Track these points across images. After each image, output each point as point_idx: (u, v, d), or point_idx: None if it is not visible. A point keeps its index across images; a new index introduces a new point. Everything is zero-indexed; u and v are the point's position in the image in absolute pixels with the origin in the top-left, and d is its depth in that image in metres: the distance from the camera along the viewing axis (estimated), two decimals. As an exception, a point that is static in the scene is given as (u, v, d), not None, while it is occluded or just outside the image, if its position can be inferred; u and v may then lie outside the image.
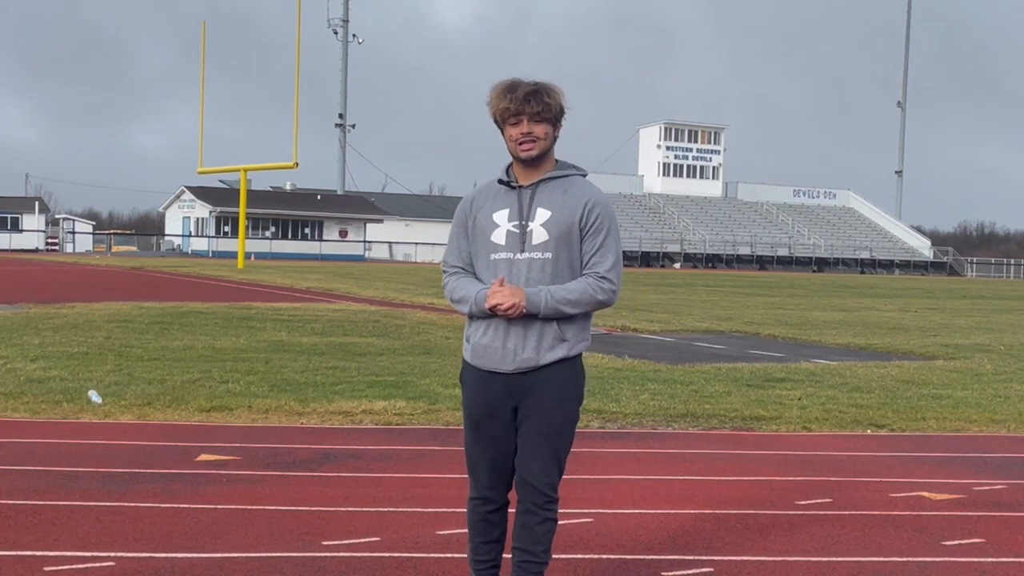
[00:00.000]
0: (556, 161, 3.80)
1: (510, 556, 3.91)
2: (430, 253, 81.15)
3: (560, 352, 3.72)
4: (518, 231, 3.71)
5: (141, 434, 7.44)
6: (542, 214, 3.70)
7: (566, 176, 3.77)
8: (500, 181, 3.81)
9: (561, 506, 5.55)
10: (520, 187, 3.75)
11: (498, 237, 3.73)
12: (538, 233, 3.69)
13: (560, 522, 5.31)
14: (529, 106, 3.63)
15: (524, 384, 3.73)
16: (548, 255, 3.69)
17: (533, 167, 3.74)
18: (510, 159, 3.80)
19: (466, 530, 5.26)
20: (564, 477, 6.42)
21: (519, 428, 3.79)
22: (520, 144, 3.67)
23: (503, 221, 3.73)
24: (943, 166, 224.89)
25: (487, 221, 3.76)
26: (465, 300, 3.75)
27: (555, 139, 3.73)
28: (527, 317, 3.67)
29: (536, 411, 3.74)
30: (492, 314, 3.69)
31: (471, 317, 3.80)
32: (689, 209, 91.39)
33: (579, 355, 3.81)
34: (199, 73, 52.92)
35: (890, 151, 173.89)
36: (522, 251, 3.70)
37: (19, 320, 15.76)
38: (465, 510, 4.01)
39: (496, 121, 3.73)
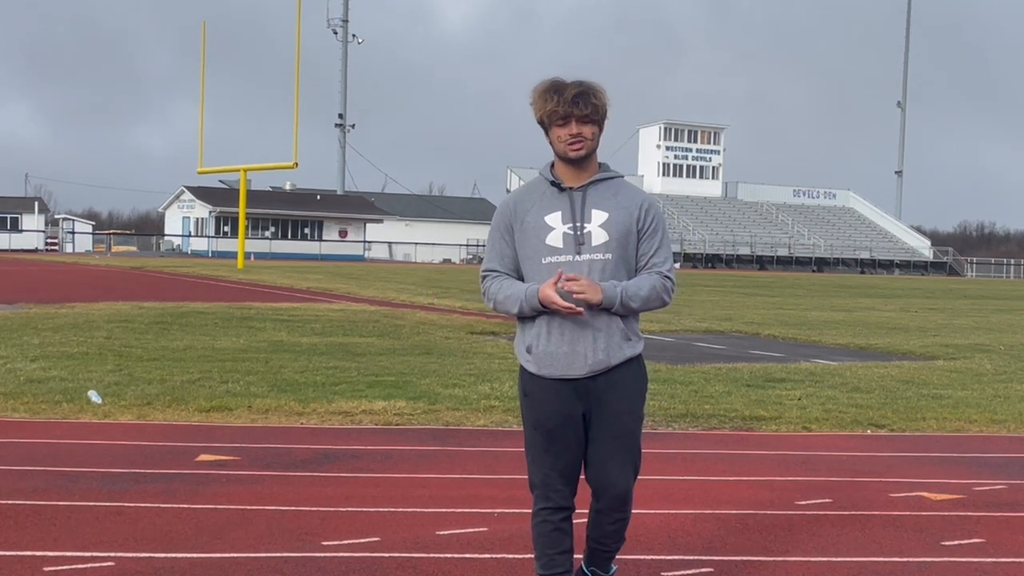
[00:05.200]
0: (599, 163, 3.79)
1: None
2: (430, 253, 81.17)
3: (628, 351, 3.73)
4: (573, 233, 3.68)
5: (141, 434, 7.44)
6: (598, 216, 3.69)
7: (612, 178, 3.78)
8: (547, 181, 3.76)
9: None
10: (571, 189, 3.72)
11: (554, 240, 3.68)
12: (597, 234, 3.68)
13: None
14: (577, 108, 3.61)
15: (595, 388, 3.70)
16: (609, 256, 3.68)
17: (580, 168, 3.72)
18: (550, 158, 3.77)
19: (469, 529, 5.26)
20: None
21: (590, 433, 3.76)
22: (570, 145, 3.65)
23: (557, 223, 3.69)
24: (943, 166, 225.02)
25: (538, 223, 3.70)
26: (513, 298, 3.67)
27: (599, 139, 3.74)
28: (592, 316, 3.64)
29: (609, 414, 3.73)
30: (543, 310, 3.63)
31: (520, 318, 3.74)
32: (689, 209, 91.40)
33: (641, 353, 3.81)
34: (199, 73, 52.97)
35: (890, 151, 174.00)
36: (580, 253, 3.67)
37: (19, 320, 15.76)
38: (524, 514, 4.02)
39: (541, 122, 3.70)
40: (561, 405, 3.71)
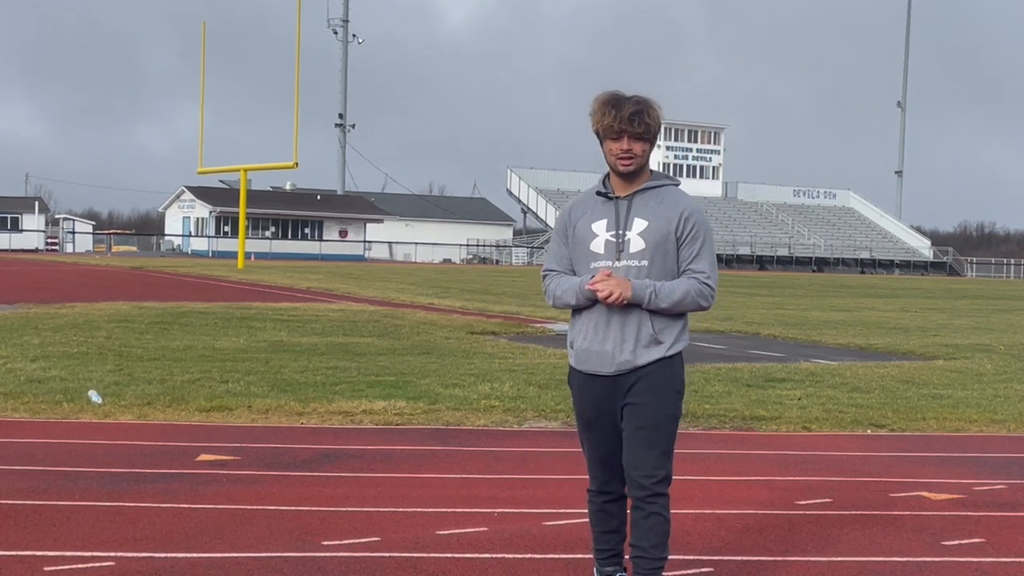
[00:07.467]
0: (651, 172, 3.98)
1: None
2: (430, 253, 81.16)
3: (656, 353, 3.91)
4: (615, 240, 3.90)
5: (141, 434, 7.44)
6: (639, 224, 3.89)
7: (660, 186, 3.95)
8: (598, 193, 3.99)
9: (561, 506, 5.56)
10: (617, 198, 3.94)
11: (597, 246, 3.92)
12: (635, 242, 3.88)
13: (559, 522, 5.31)
14: (632, 126, 3.79)
15: (625, 384, 3.91)
16: (644, 263, 3.87)
17: (630, 180, 3.92)
18: (606, 170, 3.99)
19: (469, 529, 5.26)
20: (564, 478, 6.40)
21: (622, 427, 3.97)
22: (620, 160, 3.85)
23: (601, 231, 3.93)
24: (943, 166, 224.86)
25: (586, 231, 3.95)
26: (571, 289, 3.93)
27: (650, 154, 3.93)
28: (625, 316, 3.86)
29: (635, 408, 3.92)
30: (595, 300, 3.86)
31: (573, 313, 4.00)
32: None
33: (677, 354, 3.97)
34: (199, 73, 52.99)
35: (890, 151, 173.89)
36: (619, 259, 3.88)
37: (19, 320, 15.76)
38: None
39: (597, 133, 3.89)
40: (595, 398, 3.97)
